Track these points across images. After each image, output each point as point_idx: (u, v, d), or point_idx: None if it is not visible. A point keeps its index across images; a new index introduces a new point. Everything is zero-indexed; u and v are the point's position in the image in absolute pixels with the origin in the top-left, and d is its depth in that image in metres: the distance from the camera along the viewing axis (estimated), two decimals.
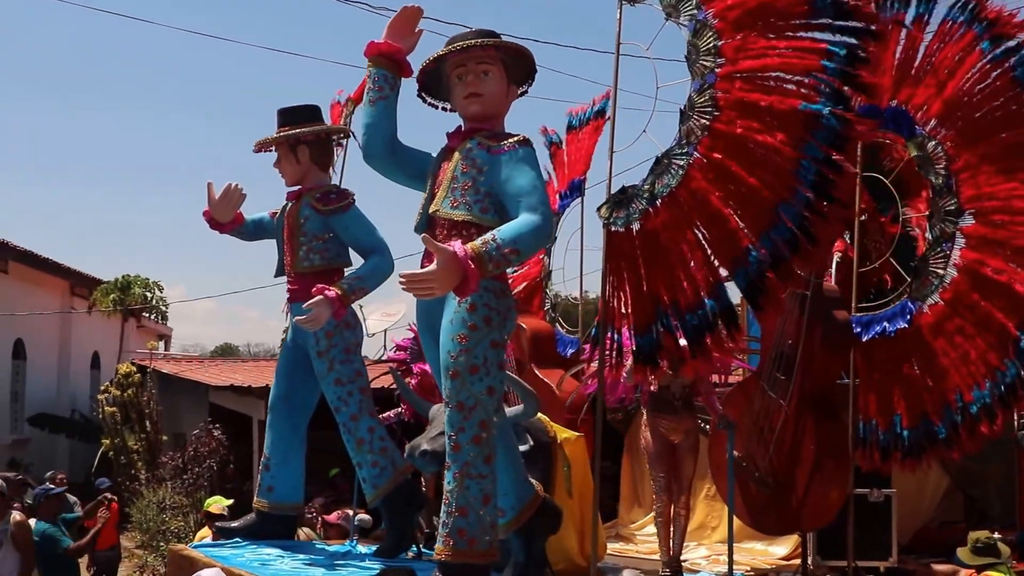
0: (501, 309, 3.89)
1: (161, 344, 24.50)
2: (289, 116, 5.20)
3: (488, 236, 3.60)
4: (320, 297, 4.70)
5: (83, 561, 10.31)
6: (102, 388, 17.44)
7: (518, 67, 4.11)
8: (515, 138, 3.94)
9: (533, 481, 4.40)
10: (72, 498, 10.98)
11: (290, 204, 5.22)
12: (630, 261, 4.44)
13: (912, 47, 4.91)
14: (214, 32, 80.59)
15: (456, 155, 4.00)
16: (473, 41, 3.99)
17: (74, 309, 22.35)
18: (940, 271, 4.81)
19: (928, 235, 4.92)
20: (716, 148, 4.19)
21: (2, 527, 7.57)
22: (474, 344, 3.79)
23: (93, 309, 21.65)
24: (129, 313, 21.25)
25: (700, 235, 4.26)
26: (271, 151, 5.26)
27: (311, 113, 5.24)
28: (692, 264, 4.28)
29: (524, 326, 6.56)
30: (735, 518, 5.12)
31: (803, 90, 4.11)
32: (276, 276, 5.36)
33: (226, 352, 40.60)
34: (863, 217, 5.42)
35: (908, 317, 4.83)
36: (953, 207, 4.77)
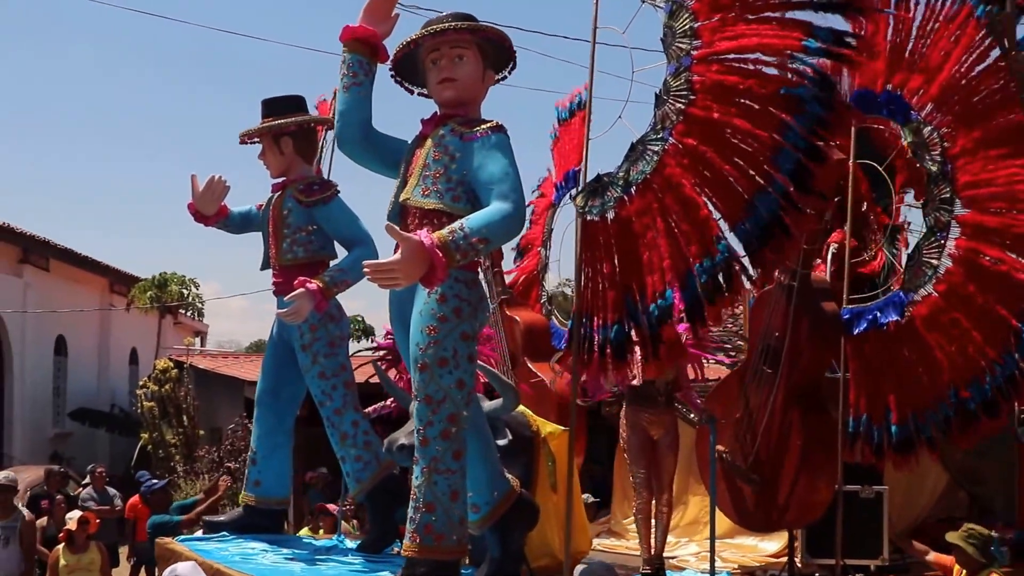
0: (472, 300, 3.74)
1: (197, 340, 24.67)
2: (273, 107, 5.10)
3: (456, 225, 3.45)
4: (301, 290, 4.61)
5: (123, 551, 10.38)
6: (140, 383, 17.65)
7: (495, 52, 3.95)
8: (488, 124, 3.79)
9: (509, 476, 4.25)
10: (112, 491, 11.07)
11: (275, 196, 5.13)
12: (605, 251, 4.25)
13: (906, 29, 4.65)
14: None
15: (428, 142, 3.86)
16: (447, 24, 3.84)
17: (113, 306, 22.59)
18: (934, 261, 4.56)
19: (923, 224, 4.67)
20: (691, 133, 3.98)
21: (9, 524, 7.58)
22: (443, 336, 3.65)
23: (131, 306, 21.86)
24: (166, 310, 21.46)
25: (671, 223, 4.06)
26: (256, 142, 5.17)
27: (295, 104, 5.13)
28: (662, 253, 4.08)
29: (518, 319, 6.41)
30: (724, 515, 4.93)
31: (784, 73, 3.90)
32: (262, 269, 5.27)
33: (261, 348, 40.82)
34: (863, 207, 5.20)
35: (900, 309, 4.59)
36: (948, 195, 4.52)
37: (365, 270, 3.52)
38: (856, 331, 4.67)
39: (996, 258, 4.42)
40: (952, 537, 4.55)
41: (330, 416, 5.00)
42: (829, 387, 4.88)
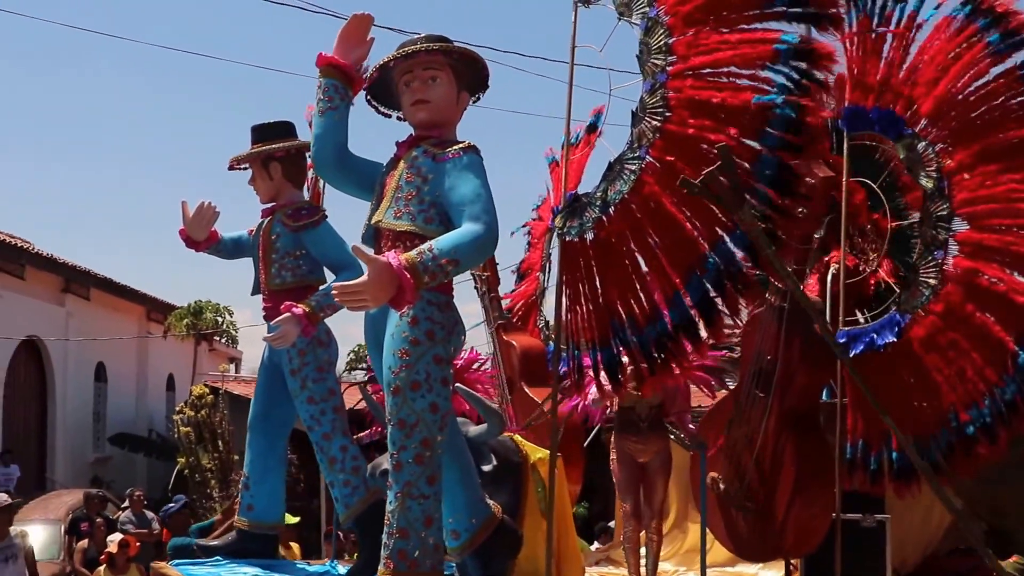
0: (446, 323, 3.64)
1: (232, 366, 24.87)
2: (261, 133, 5.06)
3: (425, 246, 3.35)
4: (287, 315, 4.60)
5: None
6: (177, 409, 17.81)
7: (469, 73, 3.86)
8: (460, 145, 3.70)
9: (491, 502, 4.10)
10: (150, 514, 11.08)
11: (264, 221, 5.09)
12: (586, 272, 4.10)
13: (901, 45, 4.46)
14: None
15: (401, 164, 3.79)
16: (419, 46, 3.75)
17: (151, 334, 22.79)
18: (931, 281, 4.33)
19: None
20: (668, 150, 3.83)
21: (7, 543, 7.60)
22: (415, 359, 3.55)
23: (168, 334, 22.04)
24: (201, 337, 21.62)
25: (654, 242, 3.90)
26: (245, 168, 5.12)
27: (284, 129, 5.09)
28: (647, 274, 3.92)
29: (515, 344, 6.26)
30: (721, 544, 4.72)
31: (756, 83, 3.73)
32: (252, 294, 5.22)
33: None
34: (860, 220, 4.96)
35: (897, 330, 4.36)
36: (945, 212, 4.29)
37: (333, 292, 3.44)
38: (852, 353, 4.44)
39: (995, 278, 4.18)
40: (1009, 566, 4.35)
41: (319, 441, 4.96)
42: (827, 412, 4.65)
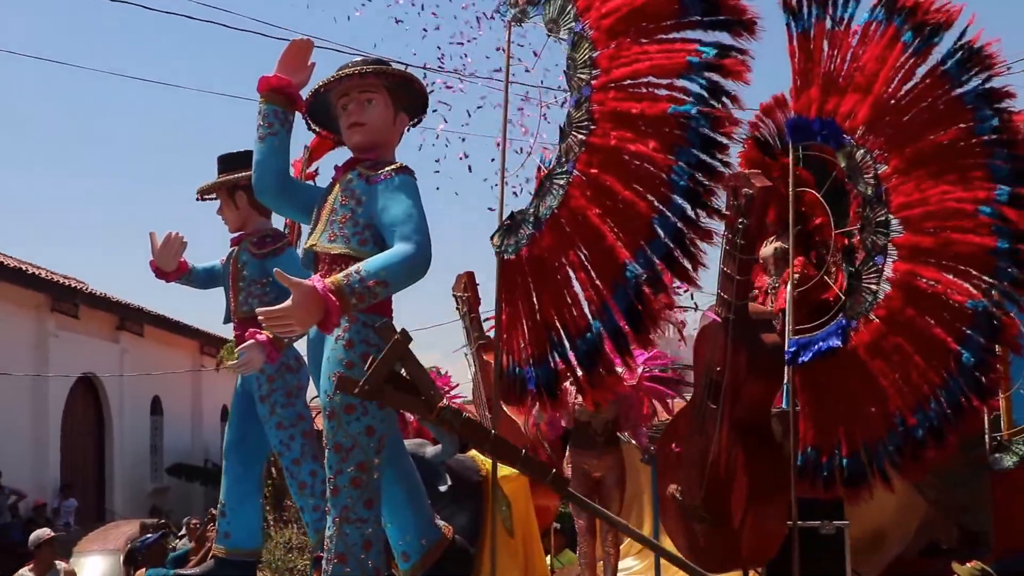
0: (381, 345, 3.54)
1: None
2: (227, 163, 5.07)
3: (353, 268, 3.30)
4: (251, 342, 4.54)
5: None
6: None
7: (406, 95, 3.79)
8: (392, 166, 3.64)
9: (441, 523, 3.97)
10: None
11: (233, 250, 5.06)
12: (523, 288, 3.98)
13: (837, 54, 4.29)
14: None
15: (336, 187, 3.71)
16: (354, 69, 3.69)
17: (204, 367, 23.01)
18: (873, 286, 4.14)
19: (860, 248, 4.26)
20: (593, 163, 3.75)
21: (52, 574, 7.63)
22: None
23: (220, 367, 22.20)
24: None
25: (582, 255, 3.77)
26: (213, 198, 5.10)
27: (249, 159, 5.03)
28: (577, 286, 3.79)
29: (492, 362, 6.12)
30: (680, 554, 4.50)
31: (673, 93, 3.60)
32: (224, 322, 5.18)
33: None
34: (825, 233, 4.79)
35: (843, 336, 4.17)
36: (884, 217, 4.11)
37: (259, 317, 3.36)
38: (802, 361, 4.25)
39: (932, 279, 4.00)
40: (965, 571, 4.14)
41: (288, 466, 4.91)
42: (780, 420, 4.46)
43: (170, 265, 5.06)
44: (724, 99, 3.54)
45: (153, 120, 41.88)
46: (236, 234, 5.05)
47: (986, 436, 5.24)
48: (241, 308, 4.92)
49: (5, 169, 35.69)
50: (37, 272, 17.40)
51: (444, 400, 3.35)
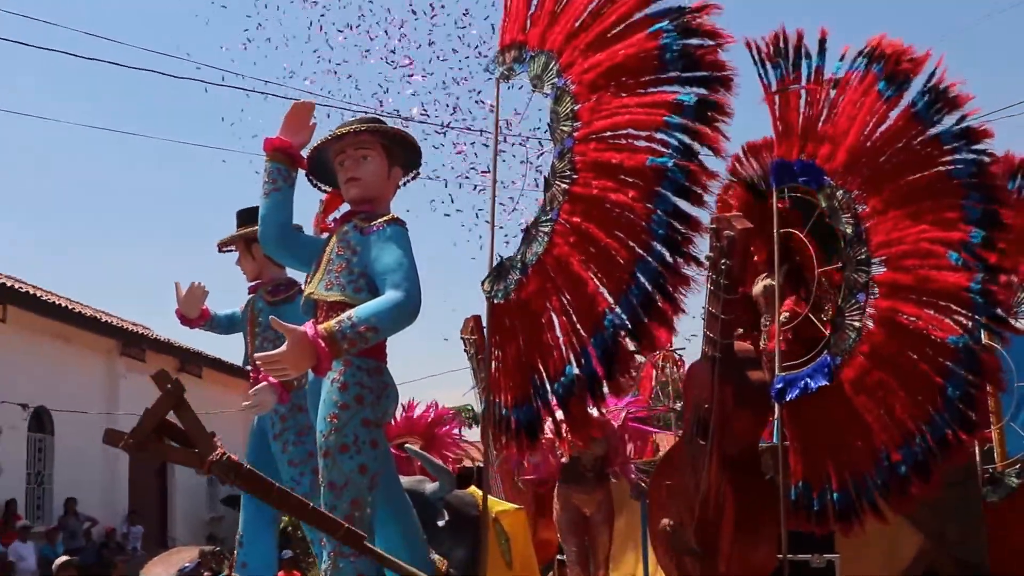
0: (375, 387, 3.63)
1: None
2: (245, 216, 5.21)
3: (345, 315, 3.42)
4: (264, 384, 4.64)
5: None
6: None
7: (401, 151, 3.91)
8: (385, 218, 3.75)
9: (436, 557, 4.00)
10: None
11: (251, 298, 5.20)
12: (510, 332, 4.04)
13: (817, 100, 4.33)
14: None
15: (334, 239, 3.82)
16: (350, 128, 3.82)
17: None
18: (856, 323, 4.13)
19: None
20: (575, 212, 3.83)
21: None
22: (344, 423, 3.55)
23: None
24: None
25: (564, 301, 3.82)
26: (232, 250, 5.25)
27: None
28: (559, 331, 3.84)
29: None
30: None
31: (652, 145, 3.66)
32: (243, 365, 5.30)
33: None
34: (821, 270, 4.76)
35: (829, 373, 4.15)
36: (864, 256, 4.11)
37: (257, 362, 3.46)
38: (789, 398, 4.23)
39: (913, 315, 3.98)
40: None
41: None
42: (773, 455, 4.43)
43: (193, 312, 5.21)
44: (699, 156, 3.58)
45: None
46: (253, 283, 5.18)
47: (978, 468, 5.13)
48: (257, 352, 5.03)
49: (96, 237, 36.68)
50: (109, 320, 18.01)
51: (219, 452, 3.11)
